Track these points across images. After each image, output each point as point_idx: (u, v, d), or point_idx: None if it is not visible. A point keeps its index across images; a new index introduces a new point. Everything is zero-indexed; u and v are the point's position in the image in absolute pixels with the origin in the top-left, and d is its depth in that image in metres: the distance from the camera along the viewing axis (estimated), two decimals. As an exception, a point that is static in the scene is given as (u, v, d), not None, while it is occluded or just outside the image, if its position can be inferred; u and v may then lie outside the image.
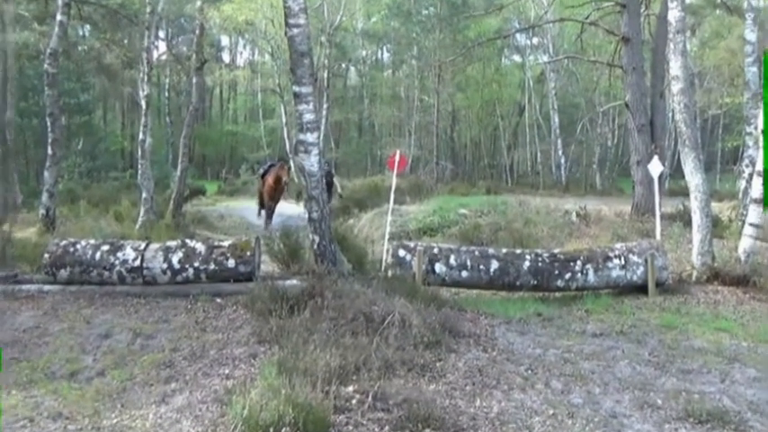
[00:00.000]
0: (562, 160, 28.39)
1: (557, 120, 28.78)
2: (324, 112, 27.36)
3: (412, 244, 7.95)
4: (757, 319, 6.89)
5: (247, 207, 17.74)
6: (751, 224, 8.48)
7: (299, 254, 7.72)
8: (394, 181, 10.05)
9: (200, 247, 7.13)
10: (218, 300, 6.59)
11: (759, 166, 8.29)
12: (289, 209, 15.53)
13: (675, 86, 8.83)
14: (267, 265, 7.90)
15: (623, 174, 27.81)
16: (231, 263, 6.95)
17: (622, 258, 7.72)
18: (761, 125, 8.71)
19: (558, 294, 7.78)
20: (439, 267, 7.49)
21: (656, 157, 10.09)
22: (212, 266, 6.95)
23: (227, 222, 16.51)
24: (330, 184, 16.18)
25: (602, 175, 28.37)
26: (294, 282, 6.66)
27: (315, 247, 7.34)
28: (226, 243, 7.26)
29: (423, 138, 31.23)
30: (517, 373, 5.02)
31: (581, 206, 13.79)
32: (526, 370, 5.13)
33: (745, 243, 8.49)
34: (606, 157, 29.79)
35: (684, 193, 10.09)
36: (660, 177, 10.25)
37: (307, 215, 7.45)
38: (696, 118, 10.76)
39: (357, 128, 41.32)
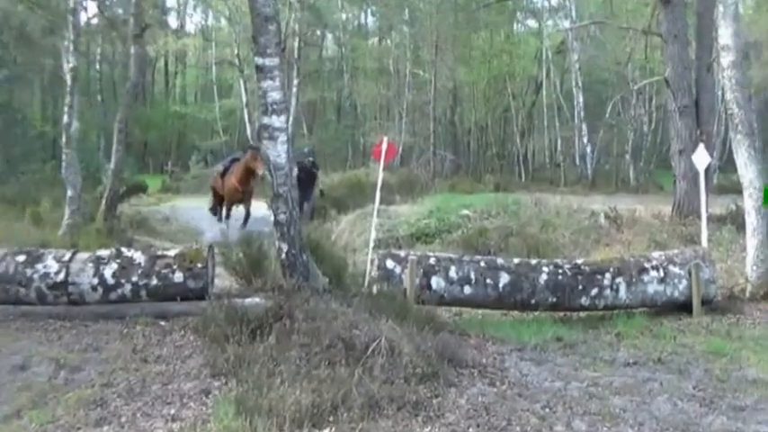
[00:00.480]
0: (588, 149, 28.51)
1: (581, 99, 28.92)
2: (294, 90, 27.36)
3: (403, 253, 7.97)
4: (824, 343, 6.95)
5: (198, 207, 17.68)
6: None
7: (262, 266, 7.72)
8: (380, 175, 10.07)
9: (139, 257, 7.11)
10: (162, 323, 6.56)
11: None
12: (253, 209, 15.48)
13: (725, 59, 8.90)
14: (223, 280, 7.88)
15: (662, 166, 27.96)
16: (178, 277, 6.94)
17: (661, 270, 7.79)
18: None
19: (582, 314, 7.84)
20: (436, 282, 7.52)
21: (701, 146, 10.17)
22: (155, 281, 6.93)
23: (174, 226, 16.45)
24: (314, 178, 16.22)
25: (636, 167, 28.48)
26: (257, 300, 6.65)
27: (282, 257, 7.34)
28: (172, 252, 7.25)
29: (416, 122, 31.26)
30: (532, 412, 5.04)
31: (611, 206, 13.90)
32: (543, 408, 5.15)
33: (811, 251, 8.58)
34: (642, 146, 29.92)
35: (737, 189, 10.17)
36: (707, 170, 10.33)
37: (272, 217, 7.44)
38: (751, 97, 10.88)
39: (335, 109, 41.32)
